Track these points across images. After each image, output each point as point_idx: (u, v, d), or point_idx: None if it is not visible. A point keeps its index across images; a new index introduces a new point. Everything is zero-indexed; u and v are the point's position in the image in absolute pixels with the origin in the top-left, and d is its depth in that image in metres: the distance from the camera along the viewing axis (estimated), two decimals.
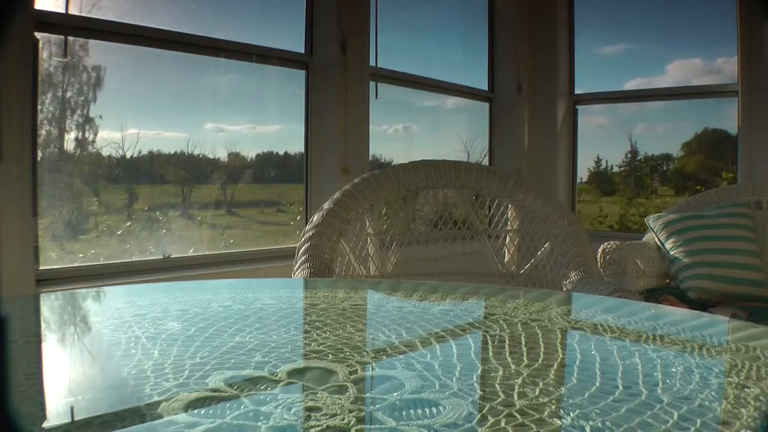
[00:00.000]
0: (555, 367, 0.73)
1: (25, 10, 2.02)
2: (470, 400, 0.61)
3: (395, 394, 0.61)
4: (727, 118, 3.82)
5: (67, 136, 2.41)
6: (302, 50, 3.11)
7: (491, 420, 0.55)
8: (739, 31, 3.57)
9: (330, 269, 1.70)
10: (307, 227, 1.83)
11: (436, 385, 0.64)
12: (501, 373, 0.70)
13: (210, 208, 2.97)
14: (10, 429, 0.51)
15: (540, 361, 0.73)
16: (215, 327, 0.91)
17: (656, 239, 2.73)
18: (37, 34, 2.16)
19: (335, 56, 3.05)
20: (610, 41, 4.50)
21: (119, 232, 2.59)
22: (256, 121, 3.15)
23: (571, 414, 0.58)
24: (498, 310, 1.10)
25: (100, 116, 2.47)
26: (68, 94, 2.39)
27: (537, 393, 0.62)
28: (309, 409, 0.57)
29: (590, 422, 0.55)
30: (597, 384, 0.66)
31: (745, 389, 0.66)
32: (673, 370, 0.74)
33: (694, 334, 0.93)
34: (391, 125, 3.80)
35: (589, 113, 4.47)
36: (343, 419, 0.53)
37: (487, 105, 4.35)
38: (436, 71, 3.88)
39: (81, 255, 2.42)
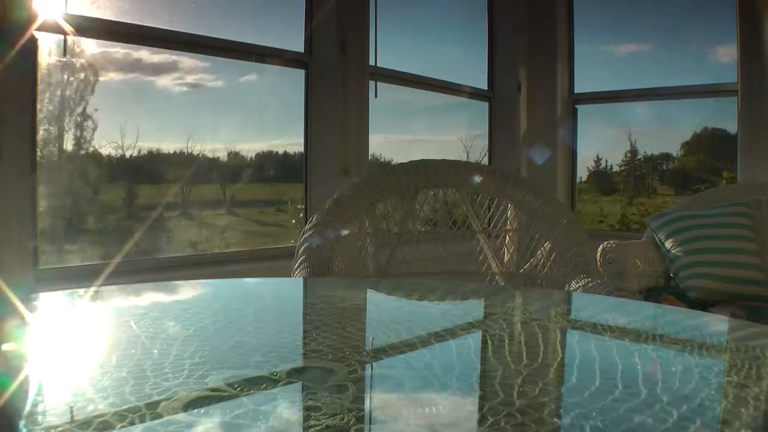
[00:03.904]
0: (555, 366, 0.73)
1: (24, 10, 2.02)
2: (470, 399, 0.61)
3: (395, 393, 0.61)
4: (727, 117, 3.82)
5: (66, 136, 2.41)
6: (302, 50, 3.10)
7: (491, 420, 0.54)
8: (739, 30, 3.57)
9: (329, 268, 1.70)
10: (307, 227, 1.83)
11: (436, 385, 0.64)
12: (501, 372, 0.70)
13: (210, 207, 2.97)
14: (10, 429, 0.51)
15: (540, 361, 0.73)
16: (215, 327, 0.91)
17: (656, 238, 2.73)
18: (37, 34, 2.16)
19: (335, 55, 3.05)
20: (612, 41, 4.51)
21: (119, 232, 2.59)
22: (255, 120, 3.15)
23: (571, 413, 0.58)
24: (498, 309, 1.10)
25: (99, 114, 2.47)
26: (67, 94, 2.39)
27: (537, 392, 0.62)
28: (309, 408, 0.57)
29: (590, 422, 0.54)
30: (597, 383, 0.66)
31: (745, 389, 0.65)
32: (673, 369, 0.74)
33: (694, 334, 0.93)
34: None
35: (590, 113, 4.47)
36: (343, 419, 0.53)
37: (486, 104, 4.35)
38: (436, 71, 3.87)
39: (80, 255, 2.42)
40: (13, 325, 0.91)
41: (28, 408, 0.59)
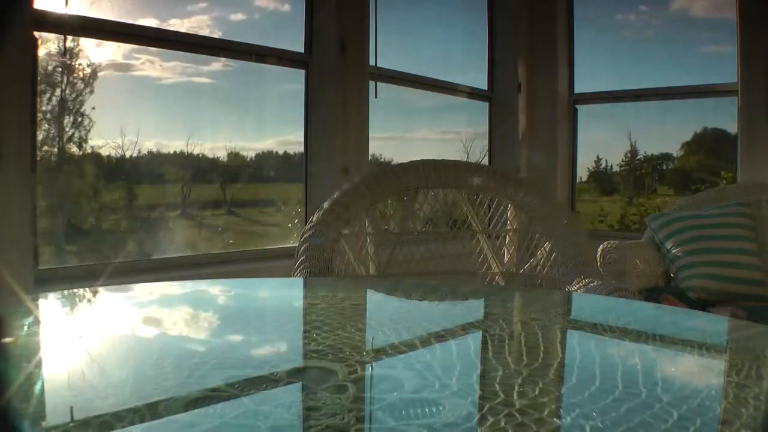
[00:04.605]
0: (555, 366, 0.73)
1: (24, 10, 2.02)
2: (470, 399, 0.61)
3: (395, 393, 0.61)
4: (727, 117, 3.82)
5: (66, 136, 2.41)
6: (302, 50, 3.10)
7: (491, 420, 0.54)
8: (739, 30, 3.57)
9: (329, 269, 1.70)
10: (307, 226, 1.83)
11: (436, 385, 0.64)
12: (501, 372, 0.70)
13: (209, 207, 2.97)
14: (10, 429, 0.51)
15: (540, 361, 0.73)
16: (215, 327, 0.91)
17: (656, 238, 2.73)
18: (37, 34, 2.16)
19: (335, 55, 3.05)
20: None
21: (119, 232, 2.59)
22: (255, 120, 3.15)
23: (571, 413, 0.58)
24: (498, 309, 1.10)
25: (99, 114, 2.47)
26: (67, 94, 2.39)
27: (537, 392, 0.61)
28: (309, 408, 0.57)
29: (590, 422, 0.54)
30: (597, 384, 0.66)
31: (745, 389, 0.65)
32: (673, 369, 0.74)
33: (694, 334, 0.93)
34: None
35: (590, 113, 4.47)
36: (343, 419, 0.53)
37: (486, 104, 4.35)
38: (436, 71, 3.87)
39: (80, 255, 2.42)
40: (17, 321, 0.91)
41: (28, 408, 0.59)
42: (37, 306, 1.07)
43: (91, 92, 2.44)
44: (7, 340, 0.84)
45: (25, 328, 0.92)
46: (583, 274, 1.74)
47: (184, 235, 2.82)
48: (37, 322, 0.97)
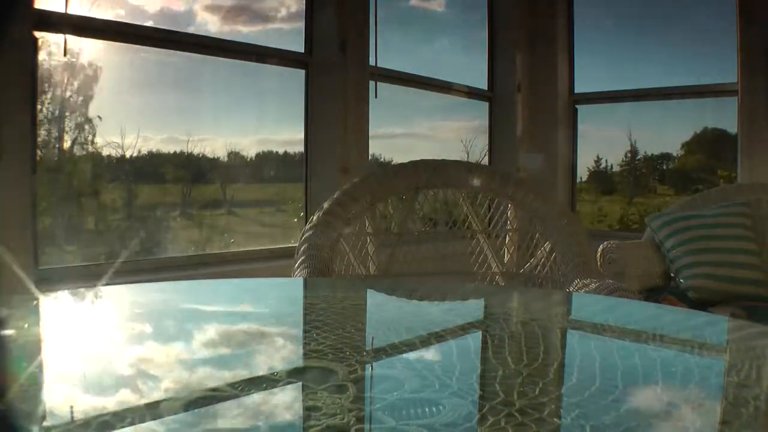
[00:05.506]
0: (555, 366, 0.73)
1: (24, 10, 2.02)
2: (470, 399, 0.61)
3: (395, 393, 0.61)
4: (727, 117, 3.82)
5: (66, 136, 2.41)
6: (302, 50, 3.10)
7: (491, 419, 0.54)
8: (739, 30, 3.57)
9: (329, 268, 1.70)
10: (307, 226, 1.83)
11: (436, 385, 0.64)
12: (501, 372, 0.70)
13: (210, 207, 2.97)
14: (10, 429, 0.51)
15: (540, 361, 0.73)
16: (215, 326, 0.91)
17: (656, 238, 2.73)
18: (37, 34, 2.16)
19: (335, 55, 3.05)
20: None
21: (119, 232, 2.59)
22: (255, 120, 3.15)
23: (571, 414, 0.58)
24: (498, 309, 1.10)
25: (99, 116, 2.47)
26: (68, 94, 2.39)
27: (537, 392, 0.61)
28: (309, 408, 0.57)
29: (590, 422, 0.54)
30: (597, 384, 0.66)
31: (745, 389, 0.65)
32: (673, 370, 0.74)
33: (694, 334, 0.93)
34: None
35: (590, 113, 4.47)
36: (343, 419, 0.53)
37: (486, 104, 4.35)
38: (436, 71, 3.88)
39: (80, 255, 2.42)
40: (17, 320, 0.91)
41: (28, 408, 0.59)
42: (37, 305, 1.07)
43: (91, 92, 2.45)
44: (8, 333, 0.84)
45: (26, 326, 0.92)
46: (583, 274, 1.74)
47: (184, 235, 2.82)
48: (37, 320, 0.97)
